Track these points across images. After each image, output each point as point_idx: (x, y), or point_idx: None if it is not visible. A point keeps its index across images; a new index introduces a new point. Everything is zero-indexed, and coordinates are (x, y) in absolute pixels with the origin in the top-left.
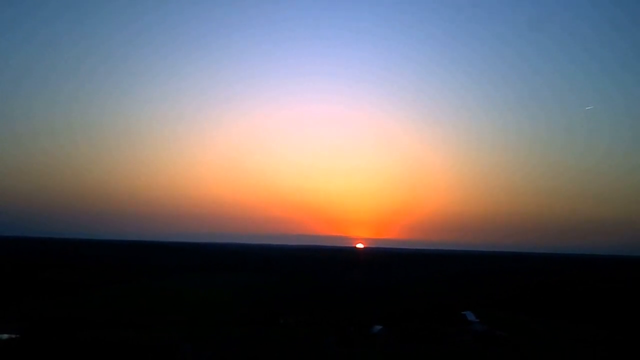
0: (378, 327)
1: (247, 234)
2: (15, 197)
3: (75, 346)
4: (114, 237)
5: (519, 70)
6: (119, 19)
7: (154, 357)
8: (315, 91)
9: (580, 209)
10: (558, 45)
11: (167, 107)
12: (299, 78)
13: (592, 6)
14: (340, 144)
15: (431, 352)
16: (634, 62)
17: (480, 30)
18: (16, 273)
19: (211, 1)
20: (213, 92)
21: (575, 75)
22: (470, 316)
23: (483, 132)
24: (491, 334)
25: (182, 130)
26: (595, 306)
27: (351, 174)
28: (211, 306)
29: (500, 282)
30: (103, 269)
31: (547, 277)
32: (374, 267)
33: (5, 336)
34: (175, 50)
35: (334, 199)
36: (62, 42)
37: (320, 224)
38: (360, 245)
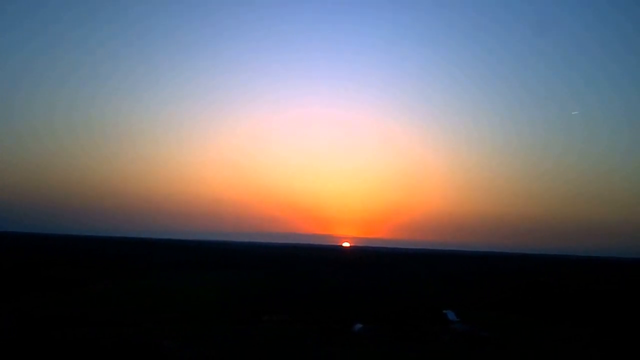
0: (359, 326)
1: (233, 232)
2: (9, 192)
3: (50, 345)
4: (101, 233)
5: (515, 68)
6: (121, 17)
7: (134, 356)
8: (305, 92)
9: (576, 210)
10: (556, 46)
11: (160, 105)
12: (287, 79)
13: (592, 9)
14: (329, 143)
15: (409, 351)
16: (635, 62)
17: (470, 29)
18: (8, 269)
19: (210, 1)
20: (204, 91)
21: (573, 75)
22: (451, 315)
23: (475, 132)
24: (472, 334)
25: (173, 129)
26: (591, 308)
27: (339, 173)
28: (195, 304)
29: (491, 282)
30: (90, 266)
31: (541, 277)
32: (359, 266)
33: None
34: (168, 49)
35: (321, 197)
36: (62, 40)
37: (307, 222)
38: (346, 244)
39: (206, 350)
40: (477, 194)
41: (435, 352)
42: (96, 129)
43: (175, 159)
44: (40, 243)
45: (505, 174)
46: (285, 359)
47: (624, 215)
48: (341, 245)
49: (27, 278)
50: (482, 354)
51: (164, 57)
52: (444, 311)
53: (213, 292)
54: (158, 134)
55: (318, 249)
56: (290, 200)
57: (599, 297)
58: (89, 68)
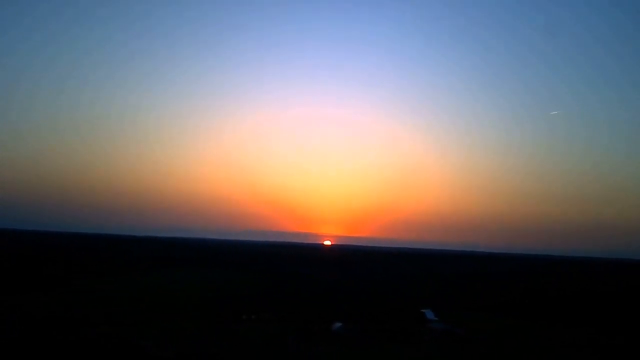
0: (338, 325)
1: (217, 230)
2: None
3: (25, 346)
4: (83, 230)
5: (512, 68)
6: (122, 15)
7: (115, 354)
8: (290, 91)
9: (568, 210)
10: (557, 47)
11: (145, 103)
12: (274, 78)
13: (591, 10)
14: (316, 142)
15: (388, 350)
16: (636, 63)
17: (459, 29)
18: None
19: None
20: (192, 90)
21: (568, 75)
22: (430, 314)
23: (464, 131)
24: (450, 333)
25: (160, 127)
26: (585, 309)
27: (325, 172)
28: (177, 302)
29: (474, 283)
30: (73, 263)
31: (531, 278)
32: (342, 265)
33: None
34: (162, 47)
35: (307, 196)
36: (61, 38)
37: (291, 220)
38: (327, 243)
39: (186, 349)
40: (465, 193)
41: (412, 350)
42: (76, 125)
43: (160, 156)
44: (21, 239)
45: (494, 174)
46: (265, 358)
47: (613, 216)
48: (323, 244)
49: (7, 276)
50: (459, 352)
51: (155, 56)
52: (423, 310)
53: (196, 291)
54: (143, 131)
55: (301, 247)
56: (275, 198)
57: (598, 299)
58: (86, 66)
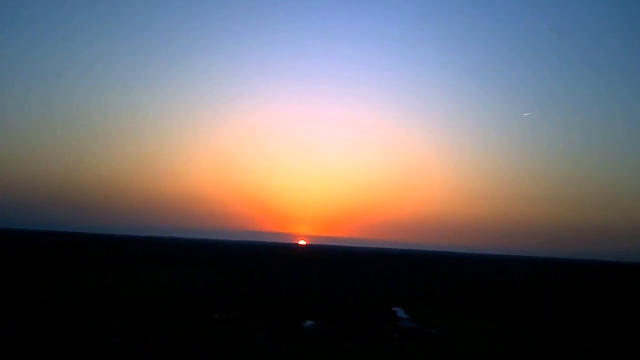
0: (309, 322)
1: (192, 229)
2: None
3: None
4: (59, 228)
5: (506, 64)
6: (118, 15)
7: (81, 351)
8: (269, 91)
9: (560, 211)
10: (554, 48)
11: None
12: (250, 78)
13: (590, 10)
14: (294, 143)
15: (358, 347)
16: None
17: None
18: None
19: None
20: (166, 89)
21: (571, 77)
22: (401, 313)
23: (446, 134)
24: (420, 331)
25: (137, 125)
26: (572, 311)
27: (302, 172)
28: (148, 299)
29: (454, 283)
30: (45, 261)
31: (511, 280)
32: (316, 264)
33: None
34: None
35: (283, 195)
36: (60, 38)
37: (267, 220)
38: (302, 242)
39: (152, 346)
40: (446, 195)
41: (382, 348)
42: (58, 125)
43: (134, 156)
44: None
45: (475, 176)
46: (233, 357)
47: (599, 218)
48: (297, 244)
49: None
50: (428, 350)
51: (143, 57)
52: (394, 308)
53: (168, 288)
54: (124, 130)
55: (276, 246)
56: (253, 198)
57: (575, 300)
58: (76, 61)
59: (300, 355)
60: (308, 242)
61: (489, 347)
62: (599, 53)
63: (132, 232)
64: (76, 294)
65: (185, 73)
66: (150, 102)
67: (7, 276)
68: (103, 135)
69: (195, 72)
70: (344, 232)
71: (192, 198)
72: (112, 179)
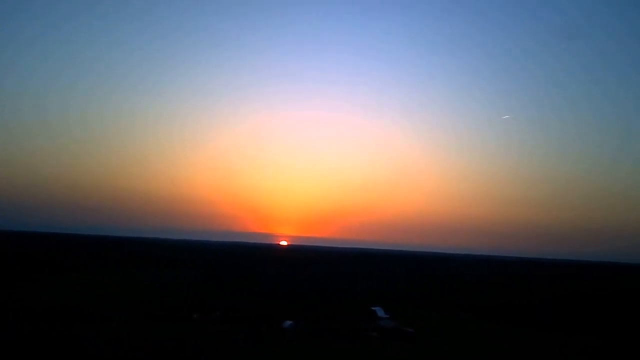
0: (289, 322)
1: (174, 229)
2: None
3: None
4: (34, 229)
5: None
6: (115, 14)
7: (55, 353)
8: (255, 90)
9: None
10: (547, 46)
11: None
12: (233, 78)
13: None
14: (278, 142)
15: (337, 348)
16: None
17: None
18: None
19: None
20: (150, 90)
21: (562, 77)
22: (380, 312)
23: (429, 134)
24: (399, 330)
25: (116, 125)
26: (559, 313)
27: (285, 173)
28: (126, 301)
29: (437, 284)
30: (22, 262)
31: (496, 281)
32: (296, 264)
33: None
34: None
35: (266, 196)
36: (58, 38)
37: (251, 221)
38: (283, 243)
39: (128, 349)
40: (429, 196)
41: (360, 348)
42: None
43: (121, 155)
44: None
45: (457, 176)
46: (212, 357)
47: (575, 218)
48: (279, 244)
49: None
50: (406, 349)
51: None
52: (373, 308)
53: (149, 289)
54: (101, 129)
55: (258, 247)
56: (237, 198)
57: (562, 302)
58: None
59: (277, 356)
60: (289, 243)
61: (465, 346)
62: (600, 54)
63: (116, 233)
64: (52, 295)
65: (171, 74)
66: (136, 102)
67: None
68: (87, 136)
69: (181, 73)
70: (326, 233)
71: (177, 199)
72: (95, 180)
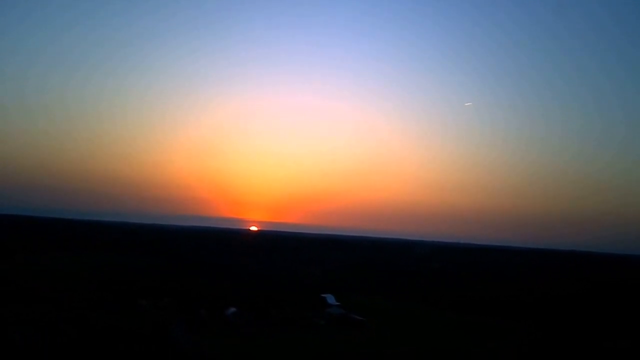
0: (232, 310)
1: (140, 213)
2: None
3: None
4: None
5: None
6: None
7: None
8: (227, 75)
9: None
10: (543, 42)
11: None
12: (202, 61)
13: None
14: (250, 127)
15: (279, 336)
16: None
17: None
18: None
19: None
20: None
21: (565, 68)
22: (331, 299)
23: (402, 120)
24: (347, 318)
25: (81, 105)
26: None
27: (256, 158)
28: (70, 287)
29: (399, 271)
30: None
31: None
32: (260, 250)
33: None
34: None
35: (237, 181)
36: (32, 24)
37: (221, 205)
38: (253, 228)
39: (57, 336)
40: (403, 183)
41: (306, 336)
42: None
43: (88, 136)
44: None
45: (434, 165)
46: (140, 350)
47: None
48: (249, 229)
49: None
50: (352, 335)
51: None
52: (323, 295)
53: (95, 275)
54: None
55: (226, 232)
56: (208, 182)
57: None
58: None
59: (213, 348)
60: (260, 229)
61: (412, 334)
62: (602, 48)
63: (81, 217)
64: None
65: (144, 56)
66: (103, 83)
67: None
68: (55, 116)
69: (155, 56)
70: (298, 219)
71: (148, 182)
72: (64, 161)
